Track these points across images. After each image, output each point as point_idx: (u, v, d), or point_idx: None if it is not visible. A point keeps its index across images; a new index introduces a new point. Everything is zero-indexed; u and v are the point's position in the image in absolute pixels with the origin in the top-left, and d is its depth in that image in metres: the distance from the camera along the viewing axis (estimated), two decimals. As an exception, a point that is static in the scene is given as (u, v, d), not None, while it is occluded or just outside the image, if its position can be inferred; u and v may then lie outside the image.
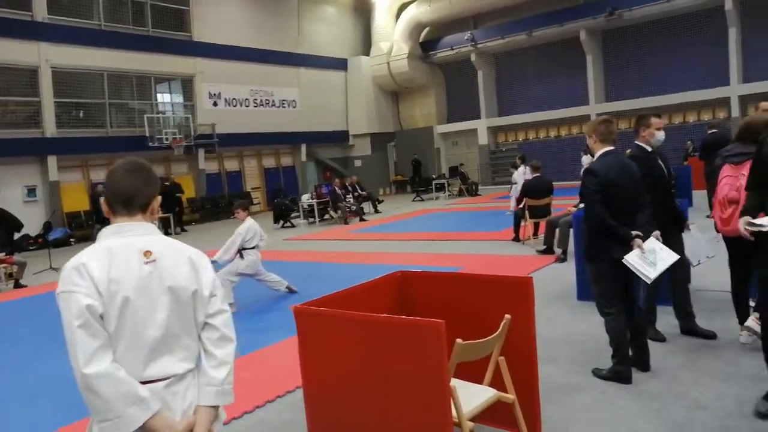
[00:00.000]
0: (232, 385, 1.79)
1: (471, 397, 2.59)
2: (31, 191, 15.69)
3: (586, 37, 20.64)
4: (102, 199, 1.79)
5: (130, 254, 1.66)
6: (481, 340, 2.51)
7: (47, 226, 15.11)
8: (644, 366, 3.76)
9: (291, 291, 7.08)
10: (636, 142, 4.34)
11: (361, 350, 2.54)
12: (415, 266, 7.93)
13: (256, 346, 5.06)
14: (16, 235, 12.61)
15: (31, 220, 14.30)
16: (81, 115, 16.82)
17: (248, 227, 6.68)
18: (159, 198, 1.81)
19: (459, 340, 2.38)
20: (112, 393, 1.53)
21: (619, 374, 3.65)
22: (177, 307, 1.70)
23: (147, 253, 1.67)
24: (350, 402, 2.64)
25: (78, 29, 16.14)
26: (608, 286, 3.66)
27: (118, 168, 1.77)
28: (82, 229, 15.73)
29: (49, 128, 15.65)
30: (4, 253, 9.84)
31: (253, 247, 6.73)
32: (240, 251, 6.68)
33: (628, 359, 3.67)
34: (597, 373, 3.77)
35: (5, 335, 6.41)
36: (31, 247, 14.35)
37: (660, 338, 4.26)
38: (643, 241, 3.57)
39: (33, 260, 11.15)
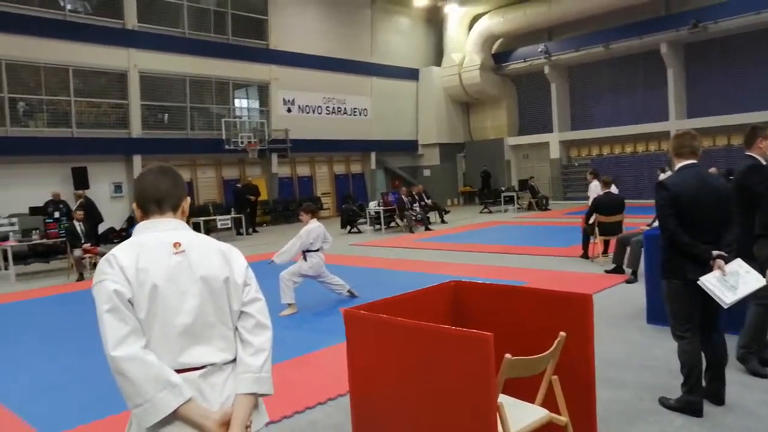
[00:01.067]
0: (270, 374, 1.77)
1: (520, 415, 2.50)
2: (118, 187, 16.63)
3: (667, 50, 19.78)
4: (134, 204, 1.84)
5: (159, 246, 1.70)
6: (531, 357, 2.42)
7: (130, 221, 15.99)
8: (718, 399, 3.49)
9: (352, 295, 7.13)
10: (748, 152, 4.04)
11: (408, 358, 2.51)
12: (476, 278, 7.84)
13: (313, 348, 5.13)
14: (102, 229, 13.46)
15: (116, 214, 15.19)
16: (165, 118, 17.72)
17: (310, 230, 6.76)
18: (188, 199, 1.88)
19: (508, 355, 2.31)
20: (142, 376, 1.54)
21: (689, 405, 3.41)
22: (210, 296, 1.71)
23: (176, 245, 1.72)
24: (395, 409, 2.61)
25: (164, 36, 17.04)
26: (682, 307, 3.42)
27: (148, 172, 1.84)
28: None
29: (135, 129, 16.57)
30: (89, 244, 10.48)
31: (317, 250, 6.84)
32: (304, 253, 6.80)
33: (700, 389, 3.41)
34: (664, 403, 3.54)
35: (86, 321, 6.78)
36: (115, 240, 15.19)
37: (761, 373, 3.91)
38: (727, 262, 3.33)
39: (113, 253, 11.79)
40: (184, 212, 1.86)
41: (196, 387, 1.65)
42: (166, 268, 1.67)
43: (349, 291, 7.13)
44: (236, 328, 1.78)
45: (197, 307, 1.69)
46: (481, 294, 3.31)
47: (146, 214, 1.80)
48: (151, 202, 1.79)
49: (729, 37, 19.11)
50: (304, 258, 6.78)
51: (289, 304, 6.61)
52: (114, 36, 16.01)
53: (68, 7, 15.47)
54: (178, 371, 1.63)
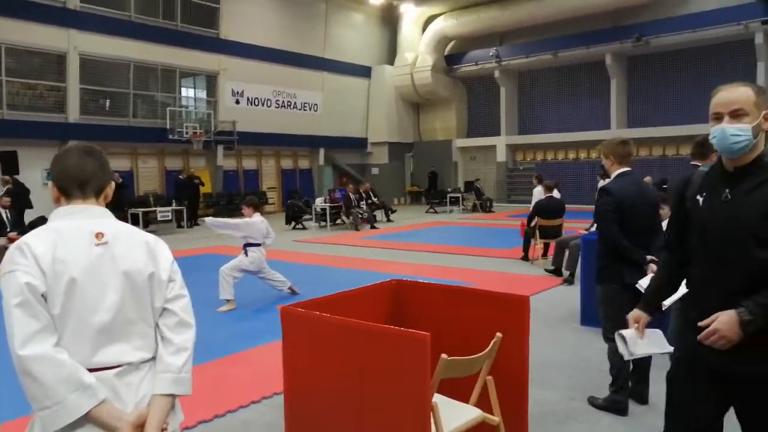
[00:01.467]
0: (191, 374, 1.67)
1: (454, 415, 2.51)
2: (50, 174, 15.84)
3: (612, 61, 20.50)
4: (50, 184, 1.69)
5: (79, 235, 1.58)
6: (467, 357, 2.43)
7: (62, 210, 15.29)
8: (642, 399, 3.65)
9: (293, 292, 7.04)
10: (696, 163, 3.83)
11: (345, 357, 2.47)
12: (418, 277, 7.88)
13: (250, 345, 5.02)
14: (31, 216, 12.81)
15: (48, 202, 14.37)
16: (107, 104, 17.02)
17: (250, 222, 6.66)
18: (113, 184, 1.76)
19: (444, 356, 2.30)
20: (51, 377, 1.42)
21: (615, 404, 3.53)
22: (131, 292, 1.61)
23: (99, 235, 1.60)
24: (330, 409, 2.58)
25: (109, 19, 16.34)
26: (616, 311, 3.52)
27: (72, 149, 1.70)
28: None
29: (73, 114, 15.84)
30: (15, 233, 9.94)
31: (258, 245, 6.72)
32: (245, 247, 6.67)
33: (626, 390, 3.55)
34: (593, 402, 3.66)
35: None
36: (45, 230, 14.50)
37: None
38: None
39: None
40: (107, 197, 1.73)
41: (110, 386, 1.55)
42: (86, 259, 1.55)
43: (290, 288, 7.03)
44: (157, 325, 1.68)
45: (117, 303, 1.58)
46: (421, 293, 3.32)
47: (67, 198, 1.66)
48: (73, 184, 1.64)
49: (669, 53, 19.95)
50: (245, 253, 6.66)
51: (228, 300, 6.46)
52: (53, 14, 15.22)
53: (4, -19, 14.63)
54: (92, 370, 1.52)
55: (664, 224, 5.15)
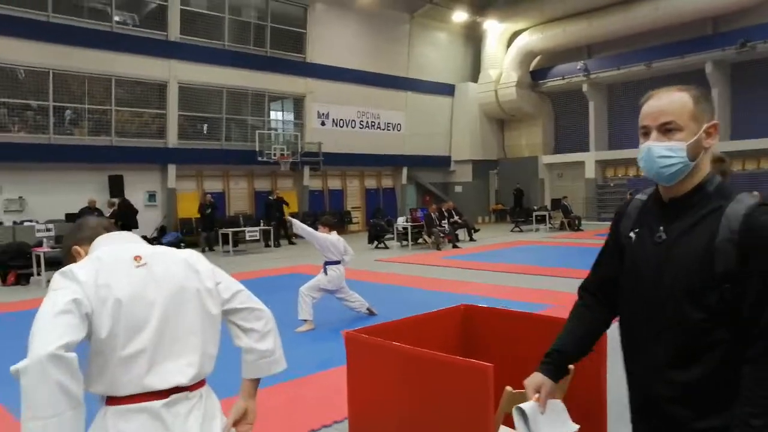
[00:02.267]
0: (282, 350, 1.84)
1: (522, 450, 2.37)
2: (152, 196, 16.98)
3: (712, 69, 19.26)
4: (76, 247, 1.76)
5: (119, 260, 1.63)
6: (535, 391, 2.29)
7: (162, 230, 16.28)
8: None
9: (371, 313, 7.04)
10: None
11: (406, 385, 2.41)
12: (498, 299, 7.67)
13: (325, 367, 5.04)
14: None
15: (149, 222, 15.49)
16: (204, 128, 18.05)
17: (325, 236, 6.79)
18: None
19: (508, 388, 2.18)
20: (62, 385, 1.34)
21: None
22: (179, 308, 1.64)
23: (137, 258, 1.65)
24: (391, 439, 2.52)
25: (205, 48, 17.39)
26: None
27: (85, 218, 1.95)
28: (192, 235, 16.71)
29: (171, 139, 16.92)
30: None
31: (337, 262, 6.80)
32: (325, 266, 6.77)
33: None
34: None
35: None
36: (146, 248, 15.45)
37: None
38: None
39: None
40: None
41: (157, 417, 1.55)
42: (129, 282, 1.59)
43: (368, 309, 7.04)
44: (234, 324, 1.78)
45: (164, 322, 1.60)
46: (491, 319, 3.19)
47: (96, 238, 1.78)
48: (100, 228, 1.80)
49: (777, 58, 18.51)
50: (324, 271, 6.74)
51: (306, 321, 6.56)
52: (156, 47, 16.42)
53: (116, 19, 15.95)
54: (142, 396, 1.54)
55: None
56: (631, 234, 1.58)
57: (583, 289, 1.84)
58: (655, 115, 1.48)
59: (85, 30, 15.07)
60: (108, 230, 1.80)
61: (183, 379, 1.60)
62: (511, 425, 2.56)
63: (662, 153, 1.45)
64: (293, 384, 4.57)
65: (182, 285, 1.67)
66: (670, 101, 1.47)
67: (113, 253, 1.65)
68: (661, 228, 1.49)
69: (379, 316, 6.83)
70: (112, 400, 1.55)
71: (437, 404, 2.30)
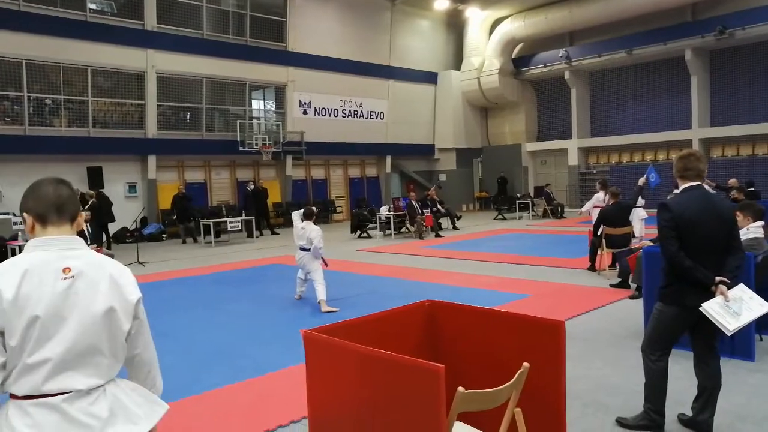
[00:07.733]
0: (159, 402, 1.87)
1: (478, 448, 2.39)
2: (132, 187, 16.81)
3: (692, 56, 19.36)
4: (25, 215, 1.77)
5: (47, 270, 1.65)
6: (488, 390, 2.30)
7: (143, 221, 16.13)
8: (708, 428, 3.35)
9: (327, 310, 6.82)
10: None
11: (360, 385, 2.41)
12: (479, 289, 7.71)
13: (284, 365, 4.85)
14: (114, 229, 13.58)
15: (130, 214, 15.33)
16: (188, 118, 17.84)
17: (295, 227, 7.38)
18: (84, 214, 1.87)
19: (460, 389, 2.19)
20: None
21: (648, 423, 3.35)
22: (90, 326, 1.67)
23: (66, 270, 1.67)
24: (348, 439, 2.52)
25: (183, 38, 17.15)
26: (665, 332, 3.35)
27: (45, 180, 1.79)
28: (174, 226, 16.56)
29: (151, 130, 16.72)
30: (95, 245, 10.57)
31: (307, 249, 7.07)
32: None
33: (662, 408, 3.38)
34: (622, 422, 3.47)
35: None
36: (128, 240, 15.31)
37: None
38: (730, 288, 3.19)
39: (124, 253, 11.82)
40: (79, 225, 1.83)
41: (57, 410, 1.62)
42: (50, 295, 1.62)
43: (319, 302, 6.89)
44: (130, 360, 1.83)
45: (74, 338, 1.64)
46: (456, 315, 3.19)
47: (43, 225, 1.74)
48: (51, 208, 1.74)
49: (756, 45, 18.63)
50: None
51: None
52: (133, 37, 16.16)
53: (91, 7, 15.64)
54: (40, 396, 1.61)
55: (743, 231, 4.80)
56: None
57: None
58: None
59: (59, 19, 14.78)
60: (60, 210, 1.74)
61: (81, 387, 1.67)
62: (468, 423, 2.59)
63: None
64: (266, 379, 4.57)
65: (101, 305, 1.70)
66: None
67: (42, 262, 1.66)
68: None
69: (354, 309, 6.78)
70: (13, 396, 1.64)
71: (392, 404, 2.30)
